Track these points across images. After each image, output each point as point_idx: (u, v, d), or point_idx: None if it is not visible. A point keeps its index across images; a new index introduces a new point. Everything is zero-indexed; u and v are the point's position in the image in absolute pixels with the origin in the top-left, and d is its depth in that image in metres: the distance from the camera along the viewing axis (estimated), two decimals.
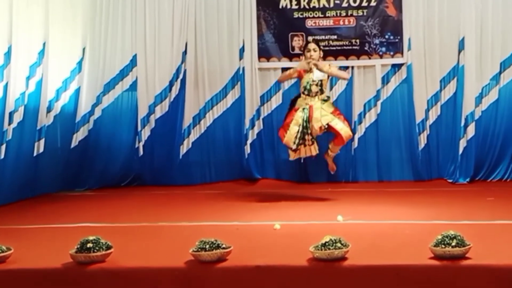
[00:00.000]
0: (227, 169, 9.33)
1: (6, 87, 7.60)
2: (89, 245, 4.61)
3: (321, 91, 7.53)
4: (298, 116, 7.38)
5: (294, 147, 7.33)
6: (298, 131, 7.32)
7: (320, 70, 7.57)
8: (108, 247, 4.69)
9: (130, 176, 9.23)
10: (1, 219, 6.72)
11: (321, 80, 7.52)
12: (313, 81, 7.49)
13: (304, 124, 7.30)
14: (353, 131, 9.07)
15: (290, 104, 7.77)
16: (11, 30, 7.63)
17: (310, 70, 7.52)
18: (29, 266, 4.69)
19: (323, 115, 7.34)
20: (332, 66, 7.78)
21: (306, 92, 7.53)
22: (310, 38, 7.78)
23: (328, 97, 7.67)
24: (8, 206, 7.54)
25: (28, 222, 6.51)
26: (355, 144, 9.15)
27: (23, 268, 4.66)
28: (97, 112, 9.15)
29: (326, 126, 7.28)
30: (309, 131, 7.32)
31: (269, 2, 9.24)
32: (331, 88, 9.12)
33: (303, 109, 7.40)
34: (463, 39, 8.90)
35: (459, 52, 8.94)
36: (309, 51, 7.59)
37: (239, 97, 9.30)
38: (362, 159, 9.21)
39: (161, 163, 9.26)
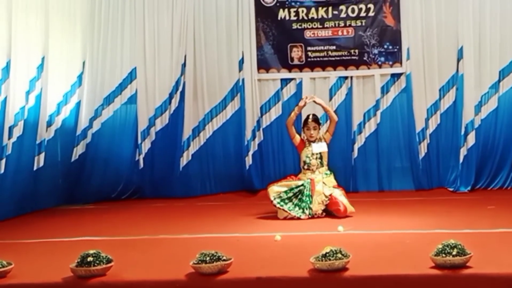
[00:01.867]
0: (227, 180, 9.33)
1: (5, 101, 7.60)
2: (90, 259, 4.60)
3: (321, 164, 7.28)
4: (295, 184, 7.15)
5: (272, 199, 7.04)
6: (286, 193, 7.08)
7: (318, 103, 7.50)
8: (109, 261, 4.67)
9: (130, 189, 9.22)
10: (2, 234, 6.70)
11: (320, 153, 7.28)
12: (312, 154, 7.27)
13: (308, 199, 7.06)
14: (353, 141, 9.11)
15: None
16: (10, 45, 7.65)
17: (309, 144, 7.31)
18: (29, 281, 4.67)
19: (324, 187, 7.14)
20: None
21: (306, 167, 7.28)
22: (310, 116, 7.34)
23: (331, 171, 7.37)
24: (9, 220, 7.53)
25: (29, 237, 6.50)
26: (355, 154, 9.16)
27: (24, 283, 4.64)
28: (97, 126, 9.18)
29: (327, 200, 7.04)
30: (311, 212, 7.02)
31: (268, 13, 9.28)
32: (330, 98, 9.14)
33: (304, 182, 7.16)
34: (461, 48, 8.92)
35: (458, 61, 8.96)
36: (309, 129, 7.31)
37: (238, 109, 9.32)
38: (362, 169, 9.21)
39: (161, 175, 9.27)
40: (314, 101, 7.60)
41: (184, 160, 9.28)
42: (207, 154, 9.34)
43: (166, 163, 9.28)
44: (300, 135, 7.50)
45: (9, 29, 7.63)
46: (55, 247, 5.93)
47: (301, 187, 7.14)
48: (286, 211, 7.04)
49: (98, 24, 9.20)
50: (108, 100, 9.22)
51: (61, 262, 4.98)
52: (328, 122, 7.57)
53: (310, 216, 7.03)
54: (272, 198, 7.09)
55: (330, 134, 7.43)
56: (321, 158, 7.31)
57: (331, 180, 7.30)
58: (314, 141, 7.32)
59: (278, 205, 7.06)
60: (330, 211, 7.07)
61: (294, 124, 7.50)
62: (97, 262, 4.60)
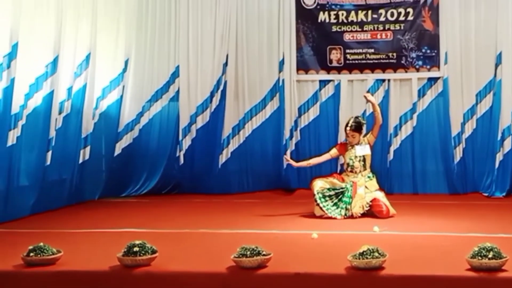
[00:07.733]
0: (265, 179, 9.49)
1: (51, 94, 7.78)
2: (136, 249, 4.77)
3: (364, 167, 7.36)
4: (339, 185, 7.26)
5: (316, 193, 7.14)
6: (328, 190, 7.20)
7: (369, 100, 7.58)
8: (154, 252, 4.84)
9: (170, 184, 9.44)
10: (51, 223, 6.97)
11: (363, 156, 7.36)
12: (355, 157, 7.35)
13: (348, 200, 7.16)
14: (389, 143, 9.20)
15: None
16: (60, 41, 7.84)
17: (352, 147, 7.38)
18: (78, 268, 4.87)
19: (366, 192, 7.23)
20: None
21: (349, 169, 7.38)
22: (349, 123, 7.41)
23: (373, 174, 7.45)
24: (57, 211, 7.80)
25: (76, 227, 6.73)
26: (391, 156, 9.25)
27: (72, 270, 4.84)
28: (144, 121, 9.41)
29: (368, 206, 7.13)
30: (348, 213, 7.12)
31: (308, 16, 9.41)
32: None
33: (347, 184, 7.26)
34: (500, 53, 8.93)
35: (496, 66, 8.97)
36: (347, 136, 7.40)
37: (277, 108, 9.48)
38: (398, 172, 9.29)
39: (201, 172, 9.45)
40: (365, 97, 7.70)
41: (224, 157, 9.45)
42: (246, 152, 9.50)
43: (205, 160, 9.46)
44: (334, 147, 7.65)
45: (59, 26, 7.81)
46: (101, 237, 6.15)
47: (344, 189, 7.25)
48: (323, 210, 7.17)
49: (145, 23, 9.41)
50: (152, 97, 9.45)
51: (107, 251, 5.16)
52: (373, 123, 7.57)
53: (346, 216, 7.14)
54: (315, 192, 7.20)
55: (374, 136, 7.48)
56: (364, 161, 7.38)
57: (374, 183, 7.38)
58: (358, 144, 7.39)
59: (318, 201, 7.17)
60: (372, 212, 7.16)
61: (320, 160, 7.65)
62: (143, 252, 4.76)
